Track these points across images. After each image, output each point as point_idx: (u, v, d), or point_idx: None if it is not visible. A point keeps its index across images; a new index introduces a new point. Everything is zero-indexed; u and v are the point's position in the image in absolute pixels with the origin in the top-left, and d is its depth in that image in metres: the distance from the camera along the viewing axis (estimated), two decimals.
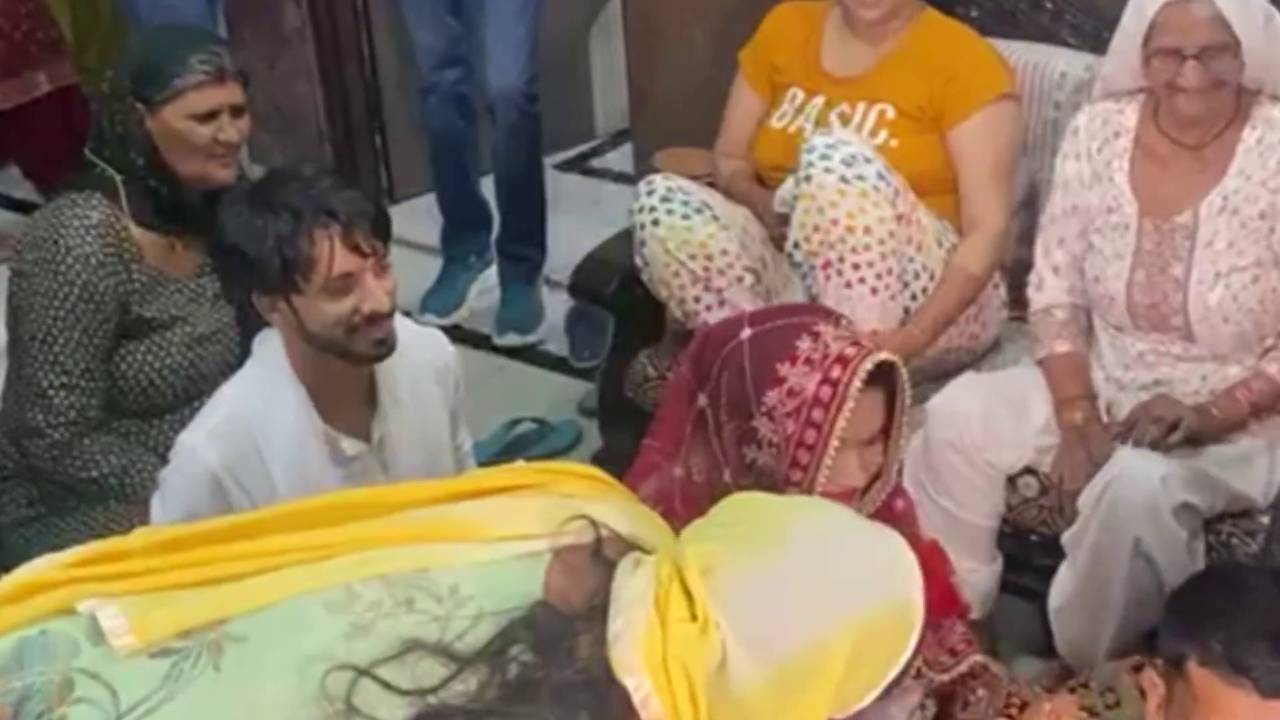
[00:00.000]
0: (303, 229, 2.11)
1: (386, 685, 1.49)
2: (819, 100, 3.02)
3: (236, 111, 2.52)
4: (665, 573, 1.56)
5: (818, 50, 3.06)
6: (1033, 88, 3.04)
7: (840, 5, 3.02)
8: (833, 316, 1.98)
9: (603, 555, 1.60)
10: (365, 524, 1.69)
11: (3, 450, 2.66)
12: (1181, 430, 2.48)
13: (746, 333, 1.92)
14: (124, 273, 2.52)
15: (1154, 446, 2.48)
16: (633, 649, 1.50)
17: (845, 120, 2.96)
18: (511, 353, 4.01)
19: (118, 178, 2.52)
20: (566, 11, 4.70)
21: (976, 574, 2.71)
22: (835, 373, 1.86)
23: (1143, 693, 1.91)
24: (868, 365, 1.86)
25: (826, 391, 1.86)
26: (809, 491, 1.87)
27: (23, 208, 4.49)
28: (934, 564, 2.10)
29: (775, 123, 3.07)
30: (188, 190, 2.54)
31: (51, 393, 2.50)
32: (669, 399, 2.01)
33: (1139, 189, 2.65)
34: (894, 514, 2.09)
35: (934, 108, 2.94)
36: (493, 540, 1.63)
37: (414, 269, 3.93)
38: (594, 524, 1.62)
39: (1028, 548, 2.74)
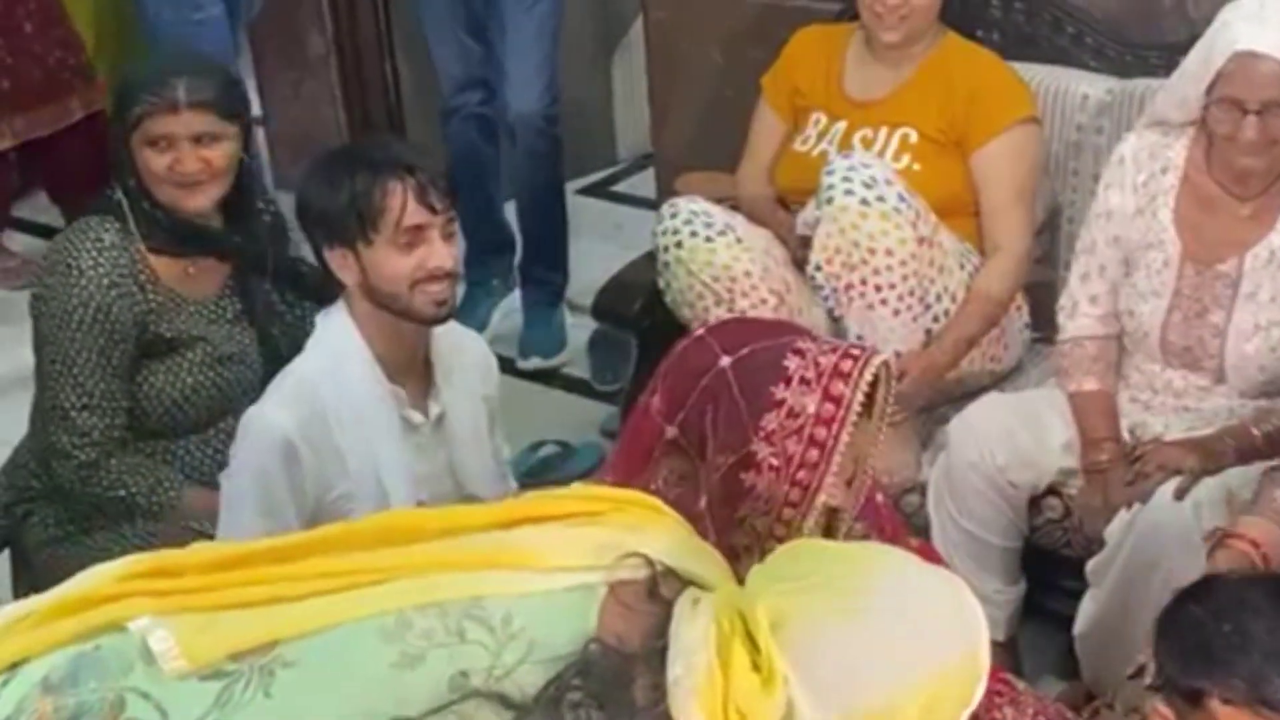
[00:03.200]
0: (378, 180, 2.22)
1: None
2: (841, 124, 3.03)
3: (203, 140, 2.51)
4: (726, 618, 1.53)
5: (840, 74, 3.07)
6: (1054, 111, 3.05)
7: (862, 29, 3.04)
8: (804, 332, 1.96)
9: (659, 594, 1.58)
10: (422, 547, 1.68)
11: (31, 471, 2.68)
12: (1188, 478, 2.45)
13: (725, 360, 1.87)
14: (139, 293, 2.54)
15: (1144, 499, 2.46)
16: (692, 696, 1.47)
17: (868, 144, 2.97)
18: (534, 376, 4.02)
19: (123, 201, 2.55)
20: (587, 37, 4.73)
21: (1000, 595, 2.70)
22: (837, 388, 1.83)
23: None
24: (868, 376, 1.84)
25: (829, 409, 1.83)
26: (804, 515, 1.85)
27: (49, 233, 4.51)
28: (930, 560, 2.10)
29: (798, 146, 3.08)
30: (181, 215, 2.56)
31: (75, 414, 2.52)
32: (631, 429, 1.96)
33: (1183, 230, 2.62)
34: (879, 513, 2.08)
35: (956, 131, 2.95)
36: (548, 570, 1.61)
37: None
38: (650, 561, 1.60)
39: (1051, 569, 2.74)
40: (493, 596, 1.58)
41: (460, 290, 4.09)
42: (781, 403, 1.84)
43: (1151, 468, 2.49)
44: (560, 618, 1.57)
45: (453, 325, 2.43)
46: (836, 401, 1.84)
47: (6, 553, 2.80)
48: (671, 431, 1.90)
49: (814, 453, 1.84)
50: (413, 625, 1.56)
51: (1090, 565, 2.55)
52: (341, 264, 2.28)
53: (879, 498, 2.13)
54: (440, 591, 1.59)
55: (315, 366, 2.30)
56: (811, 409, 1.83)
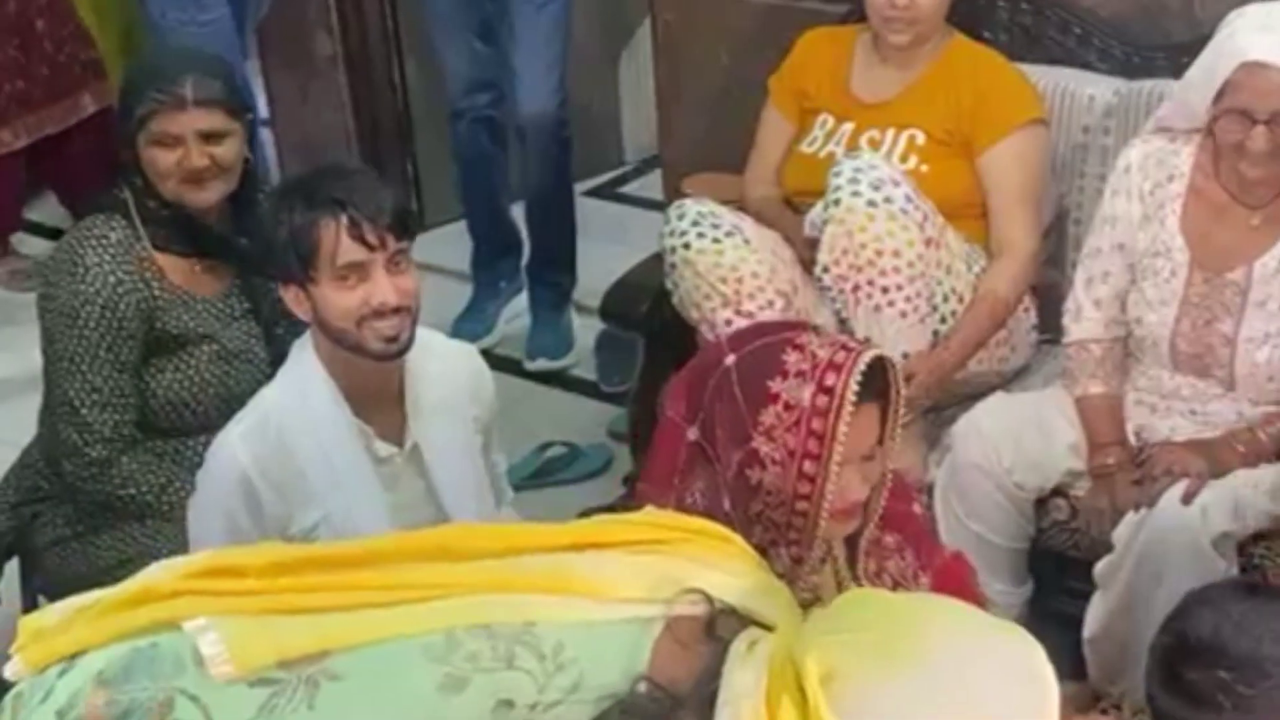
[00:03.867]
0: (312, 216, 2.18)
1: None
2: (849, 126, 3.04)
3: (210, 137, 2.53)
4: (779, 666, 1.49)
5: (847, 76, 3.08)
6: (1061, 112, 3.04)
7: (869, 31, 3.04)
8: (811, 327, 1.96)
9: (715, 633, 1.55)
10: (479, 565, 1.66)
11: (40, 472, 2.69)
12: (1195, 481, 2.44)
13: (730, 359, 1.89)
14: (145, 289, 2.55)
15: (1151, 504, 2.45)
16: None
17: (875, 145, 2.97)
18: (542, 378, 4.02)
19: (130, 199, 2.56)
20: (594, 39, 4.74)
21: (1007, 597, 2.70)
22: (830, 380, 1.84)
23: None
24: (860, 367, 1.84)
25: (823, 400, 1.83)
26: (817, 507, 1.86)
27: (57, 235, 4.52)
28: (961, 576, 2.10)
29: (805, 148, 3.09)
30: (196, 212, 2.57)
31: (85, 411, 2.53)
32: (659, 440, 1.98)
33: (1192, 239, 2.61)
34: (911, 519, 2.08)
35: (963, 133, 2.95)
36: (605, 600, 1.59)
37: (444, 295, 3.96)
38: (709, 599, 1.57)
39: (1059, 570, 2.74)
40: (545, 623, 1.56)
41: (468, 292, 4.20)
42: (777, 396, 1.85)
43: (1159, 470, 2.49)
44: (612, 651, 1.55)
45: (444, 344, 2.41)
46: (829, 392, 1.84)
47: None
48: (693, 433, 1.92)
49: (814, 444, 1.84)
50: (461, 646, 1.55)
51: (1098, 568, 2.55)
52: (294, 300, 2.25)
53: (916, 508, 2.13)
54: (492, 613, 1.57)
55: (281, 400, 2.27)
56: (807, 401, 1.84)
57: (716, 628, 1.56)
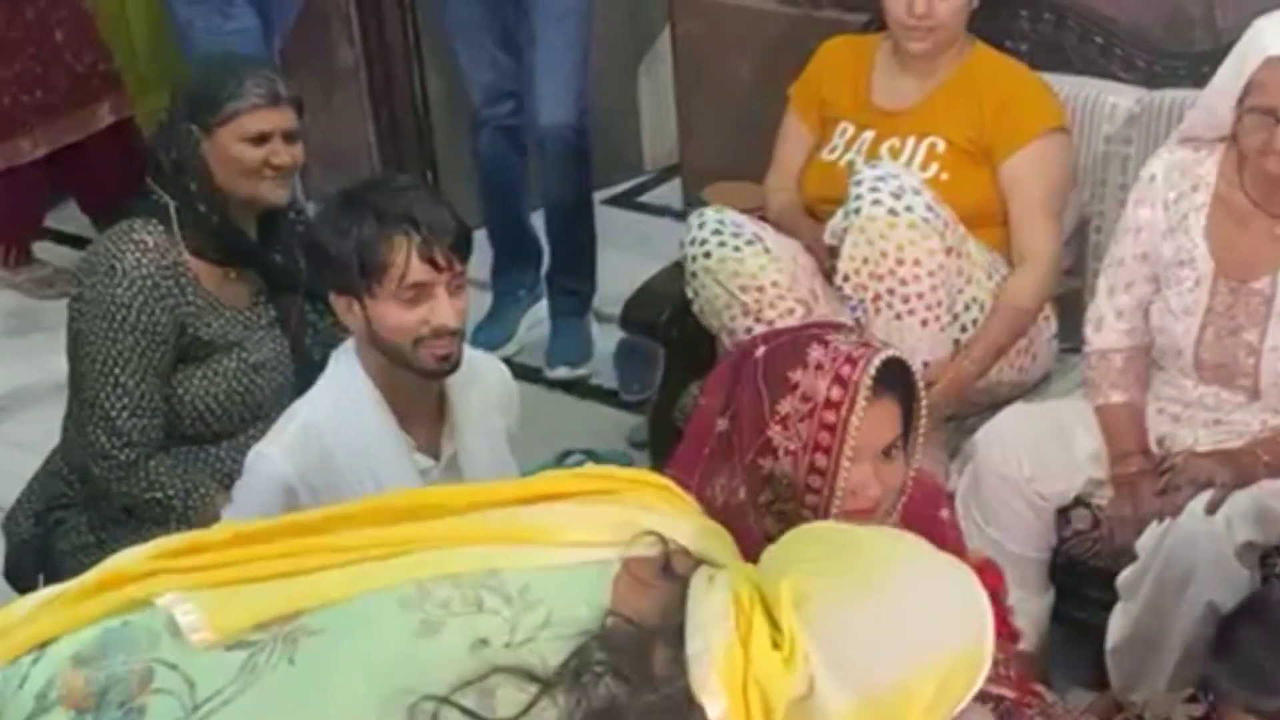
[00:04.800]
0: (383, 233, 2.19)
1: (471, 714, 1.49)
2: (869, 134, 3.04)
3: (289, 136, 2.56)
4: (745, 595, 1.55)
5: (868, 84, 3.08)
6: (1082, 121, 3.04)
7: (889, 40, 3.05)
8: (844, 328, 1.99)
9: (672, 570, 1.59)
10: (440, 523, 1.70)
11: (64, 478, 2.70)
12: (1219, 490, 2.43)
13: (761, 350, 1.92)
14: (180, 295, 2.56)
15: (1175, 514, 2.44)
16: (712, 670, 1.49)
17: (895, 154, 2.97)
18: (561, 386, 4.02)
19: (172, 204, 2.57)
20: (614, 48, 4.74)
21: (1028, 606, 2.69)
22: (845, 371, 1.85)
23: None
24: (876, 362, 1.85)
25: (837, 391, 1.85)
26: (828, 502, 1.87)
27: (78, 243, 4.55)
28: (988, 583, 2.09)
29: (825, 156, 3.09)
30: (237, 219, 2.59)
31: (114, 414, 2.54)
32: (690, 428, 2.01)
33: (1215, 247, 2.60)
34: (939, 524, 2.08)
35: (984, 141, 2.95)
36: (563, 545, 1.63)
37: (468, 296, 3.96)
38: (663, 539, 1.62)
39: (1081, 580, 2.73)
40: (507, 569, 1.59)
41: (488, 300, 4.21)
42: (796, 387, 1.87)
43: (1183, 480, 2.48)
44: (575, 590, 1.58)
45: (476, 354, 2.42)
46: (844, 384, 1.85)
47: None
48: (722, 423, 1.93)
49: (825, 436, 1.86)
50: (431, 595, 1.57)
51: (1121, 578, 2.54)
52: (346, 311, 2.26)
53: (944, 514, 2.13)
54: (456, 564, 1.61)
55: (323, 410, 2.27)
56: (821, 393, 1.86)
57: (673, 566, 1.59)
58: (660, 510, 1.71)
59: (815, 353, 1.88)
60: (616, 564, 1.60)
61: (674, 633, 1.53)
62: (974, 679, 1.55)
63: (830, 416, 1.85)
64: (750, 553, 1.90)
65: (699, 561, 1.62)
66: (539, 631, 1.55)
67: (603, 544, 1.63)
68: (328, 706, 1.52)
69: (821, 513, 1.87)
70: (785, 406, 1.87)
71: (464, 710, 1.49)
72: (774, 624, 1.52)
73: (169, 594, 1.61)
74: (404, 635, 1.55)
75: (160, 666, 1.56)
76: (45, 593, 1.73)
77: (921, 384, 1.94)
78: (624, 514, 1.67)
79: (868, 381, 1.85)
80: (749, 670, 1.49)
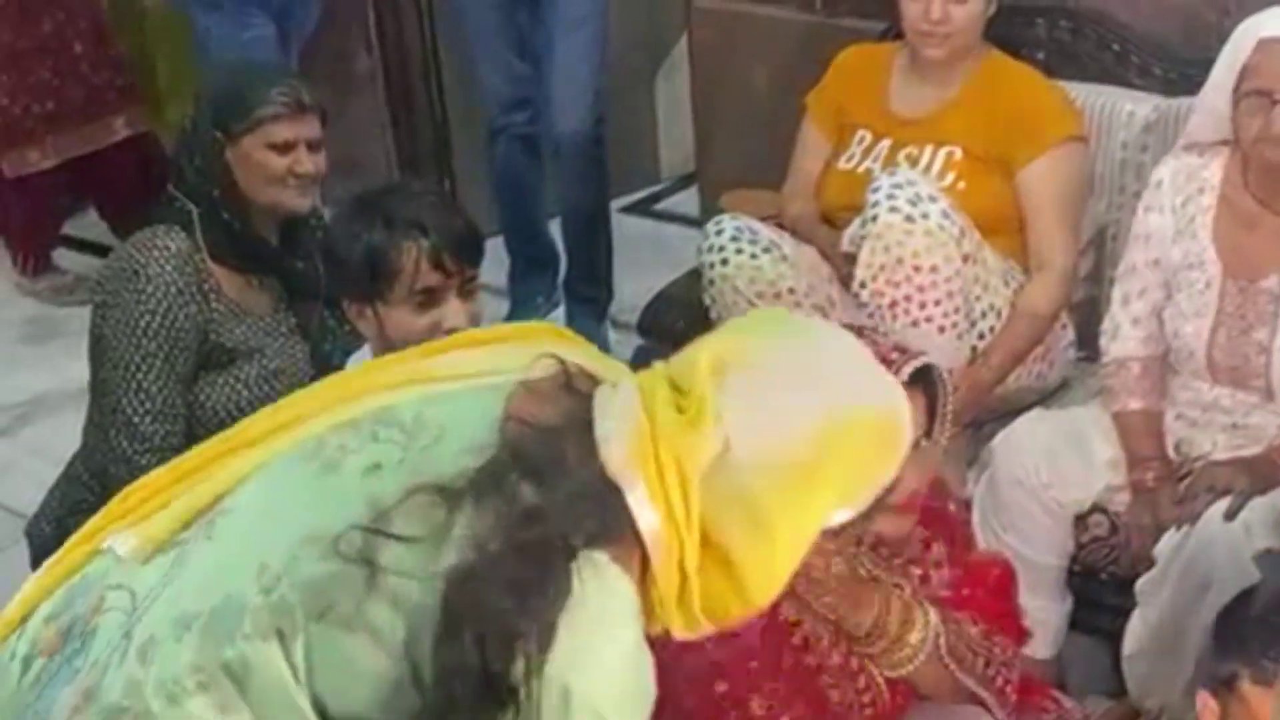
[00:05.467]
0: (393, 239, 2.21)
1: (395, 536, 1.49)
2: (886, 142, 3.04)
3: (313, 145, 2.57)
4: (648, 380, 1.55)
5: (885, 92, 3.09)
6: (1099, 129, 3.05)
7: (907, 48, 3.05)
8: (859, 330, 1.98)
9: (574, 386, 1.58)
10: (346, 388, 1.73)
11: (85, 484, 2.71)
12: (1238, 498, 2.42)
13: None
14: (202, 301, 2.57)
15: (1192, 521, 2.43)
16: (621, 446, 1.48)
17: (913, 162, 2.98)
18: None
19: (194, 211, 2.58)
20: (631, 56, 4.76)
21: (1045, 613, 2.70)
22: None
23: None
24: (903, 378, 1.83)
25: None
26: None
27: (97, 250, 4.57)
28: (1000, 582, 2.10)
29: (843, 164, 3.09)
30: (260, 226, 2.60)
31: (137, 420, 2.55)
32: None
33: (1222, 248, 2.61)
34: (946, 516, 2.09)
35: (1001, 149, 2.95)
36: (458, 378, 1.63)
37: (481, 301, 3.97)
38: (562, 360, 1.60)
39: (1098, 587, 2.73)
40: (401, 404, 1.61)
41: (506, 307, 4.21)
42: None
43: (1201, 487, 2.48)
44: (470, 409, 1.57)
45: None
46: None
47: None
48: None
49: None
50: (329, 443, 1.60)
51: (1140, 584, 2.53)
52: (359, 316, 2.28)
53: (951, 506, 2.13)
54: (352, 413, 1.63)
55: None
56: None
57: (574, 383, 1.59)
58: (558, 345, 1.69)
59: None
60: (513, 385, 1.59)
61: (582, 427, 1.51)
62: (890, 454, 1.55)
63: None
64: None
65: (599, 381, 1.60)
66: (435, 442, 1.54)
67: (498, 372, 1.61)
68: (246, 566, 1.53)
69: None
70: None
71: (387, 535, 1.48)
72: (682, 393, 1.51)
73: (113, 537, 1.66)
74: (307, 481, 1.57)
75: (110, 591, 1.60)
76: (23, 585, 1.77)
77: (947, 384, 1.95)
78: (522, 349, 1.66)
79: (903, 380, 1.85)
80: (659, 441, 1.48)
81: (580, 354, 1.67)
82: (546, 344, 1.68)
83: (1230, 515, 2.40)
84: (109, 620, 1.59)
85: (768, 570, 1.52)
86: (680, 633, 1.53)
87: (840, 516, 1.54)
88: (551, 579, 1.44)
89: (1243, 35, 2.53)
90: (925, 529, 2.03)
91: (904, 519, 1.94)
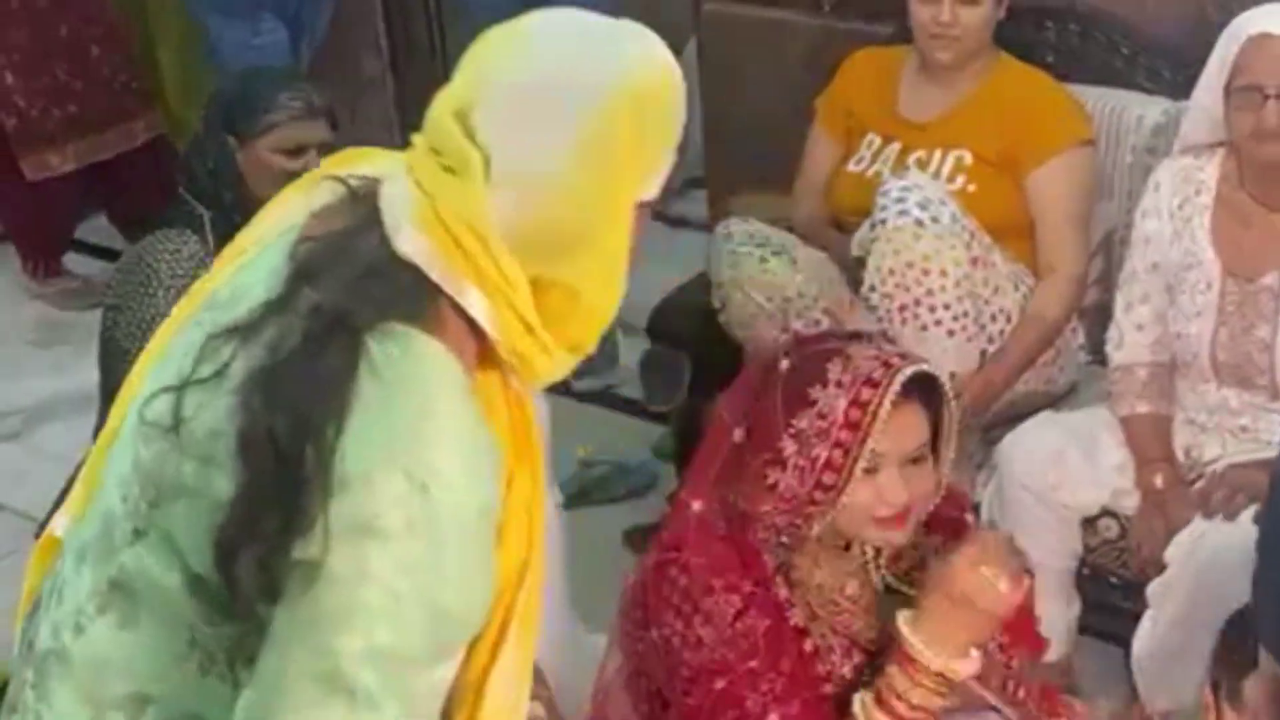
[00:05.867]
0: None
1: (197, 382, 1.44)
2: (896, 146, 3.04)
3: (325, 149, 2.57)
4: (413, 158, 1.48)
5: (894, 96, 3.09)
6: (1109, 133, 3.04)
7: (916, 51, 3.05)
8: (866, 337, 1.99)
9: (359, 195, 1.50)
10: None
11: None
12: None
13: (784, 364, 1.93)
14: None
15: (1230, 518, 2.44)
16: (410, 229, 1.42)
17: (922, 166, 2.97)
18: (587, 396, 4.03)
19: (205, 215, 2.58)
20: None
21: (1054, 616, 2.69)
22: (865, 395, 1.86)
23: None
24: (895, 387, 1.86)
25: (855, 413, 1.86)
26: (826, 512, 1.89)
27: (107, 255, 4.57)
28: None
29: (852, 168, 3.09)
30: None
31: None
32: (705, 442, 2.02)
33: (1221, 247, 2.62)
34: (962, 527, 2.08)
35: (1011, 153, 2.95)
36: (262, 242, 1.57)
37: None
38: (341, 179, 1.53)
39: (1107, 590, 2.73)
40: (220, 284, 1.57)
41: None
42: (814, 403, 1.88)
43: (1226, 492, 2.47)
44: (269, 260, 1.51)
45: None
46: (863, 407, 1.86)
47: None
48: (738, 434, 1.95)
49: (838, 455, 1.87)
50: (172, 346, 1.55)
51: (1151, 588, 2.54)
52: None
53: (968, 517, 2.13)
54: (194, 312, 1.58)
55: None
56: (840, 413, 1.87)
57: (358, 192, 1.51)
58: (350, 164, 1.60)
59: (835, 370, 1.89)
60: (302, 220, 1.53)
61: (371, 225, 1.45)
62: (659, 109, 1.48)
63: (845, 436, 1.87)
64: (753, 565, 1.92)
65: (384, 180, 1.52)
66: (235, 306, 1.48)
67: (295, 221, 1.54)
68: (111, 483, 1.52)
69: (808, 523, 1.90)
70: (801, 422, 1.88)
71: (185, 386, 1.45)
72: (444, 155, 1.45)
73: (56, 520, 1.65)
74: (147, 383, 1.54)
75: (58, 574, 1.59)
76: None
77: (950, 393, 1.95)
78: (314, 187, 1.58)
79: (887, 406, 1.85)
80: (440, 209, 1.42)
81: (366, 164, 1.58)
82: (332, 170, 1.60)
83: (1260, 519, 2.39)
84: (46, 587, 1.60)
85: (605, 277, 1.49)
86: (546, 373, 1.48)
87: (648, 192, 1.50)
88: (340, 355, 1.38)
89: (1232, 32, 2.55)
90: (940, 537, 2.03)
91: (895, 532, 1.94)
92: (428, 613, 1.36)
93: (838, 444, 1.86)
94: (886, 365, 1.88)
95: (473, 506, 1.39)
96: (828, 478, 1.88)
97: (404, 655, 1.36)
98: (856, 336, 2.00)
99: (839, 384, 1.87)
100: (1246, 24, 2.53)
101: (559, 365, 1.49)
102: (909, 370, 1.88)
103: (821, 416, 1.87)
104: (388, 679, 1.34)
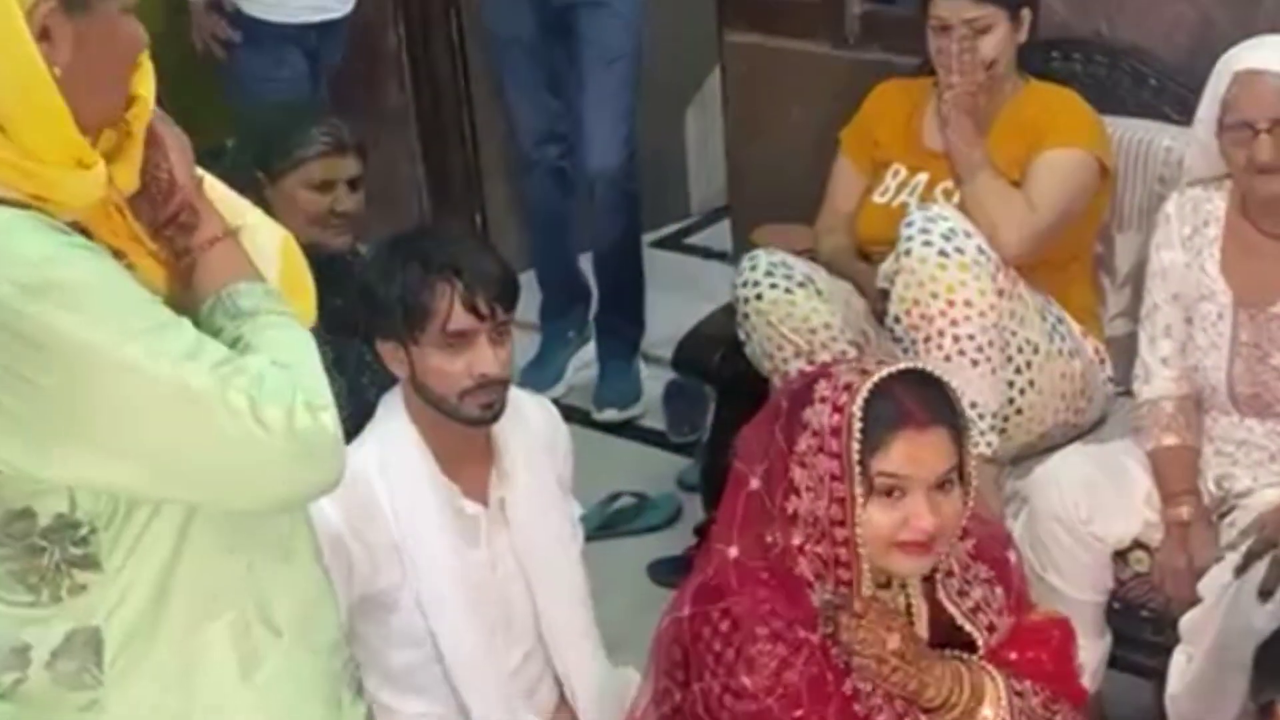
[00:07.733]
0: (426, 280, 2.19)
1: None
2: (922, 177, 3.03)
3: (353, 184, 2.59)
4: None
5: (920, 127, 3.08)
6: (1136, 163, 3.03)
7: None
8: (852, 358, 2.00)
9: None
10: None
11: None
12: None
13: (784, 403, 1.95)
14: None
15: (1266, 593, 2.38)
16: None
17: (949, 197, 2.96)
18: (610, 428, 4.02)
19: None
20: (662, 91, 4.76)
21: (1085, 650, 2.66)
22: (842, 399, 1.88)
23: None
24: (867, 386, 1.87)
25: (836, 419, 1.87)
26: (852, 530, 1.87)
27: None
28: (1059, 642, 2.08)
29: (878, 198, 3.08)
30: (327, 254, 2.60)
31: None
32: (727, 487, 2.01)
33: (1232, 278, 2.62)
34: (1007, 567, 2.07)
35: (1028, 159, 2.91)
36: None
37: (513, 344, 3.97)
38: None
39: (1138, 624, 2.71)
40: None
41: (537, 341, 4.22)
42: (807, 424, 1.90)
43: (1269, 535, 2.44)
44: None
45: (526, 400, 2.42)
46: (841, 410, 1.88)
47: None
48: (755, 483, 1.95)
49: (835, 464, 1.88)
50: None
51: (1184, 621, 2.52)
52: (392, 356, 2.27)
53: (1011, 556, 2.12)
54: None
55: (370, 457, 2.25)
56: (825, 423, 1.89)
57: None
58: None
59: (821, 388, 1.91)
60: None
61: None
62: None
63: (834, 444, 1.88)
64: (798, 600, 1.90)
65: None
66: None
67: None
68: None
69: (851, 545, 1.88)
70: (801, 445, 1.90)
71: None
72: None
73: None
74: None
75: None
76: None
77: (965, 411, 1.94)
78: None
79: (859, 402, 1.86)
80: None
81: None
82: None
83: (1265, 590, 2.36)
84: None
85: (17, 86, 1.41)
86: (73, 195, 1.47)
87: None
88: None
89: (1221, 69, 2.57)
90: (989, 568, 2.02)
91: (918, 560, 1.93)
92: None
93: (832, 454, 1.88)
94: (864, 372, 1.90)
95: None
96: (837, 489, 1.88)
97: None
98: (846, 360, 2.01)
99: (823, 399, 1.90)
100: (1234, 61, 2.55)
101: (75, 181, 1.46)
102: (884, 372, 1.89)
103: (815, 434, 1.89)
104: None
